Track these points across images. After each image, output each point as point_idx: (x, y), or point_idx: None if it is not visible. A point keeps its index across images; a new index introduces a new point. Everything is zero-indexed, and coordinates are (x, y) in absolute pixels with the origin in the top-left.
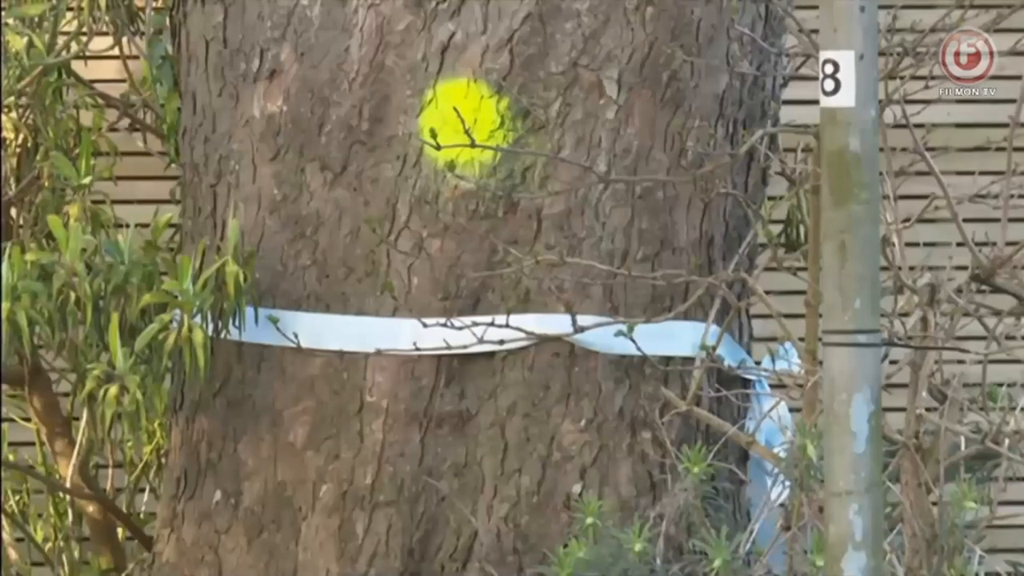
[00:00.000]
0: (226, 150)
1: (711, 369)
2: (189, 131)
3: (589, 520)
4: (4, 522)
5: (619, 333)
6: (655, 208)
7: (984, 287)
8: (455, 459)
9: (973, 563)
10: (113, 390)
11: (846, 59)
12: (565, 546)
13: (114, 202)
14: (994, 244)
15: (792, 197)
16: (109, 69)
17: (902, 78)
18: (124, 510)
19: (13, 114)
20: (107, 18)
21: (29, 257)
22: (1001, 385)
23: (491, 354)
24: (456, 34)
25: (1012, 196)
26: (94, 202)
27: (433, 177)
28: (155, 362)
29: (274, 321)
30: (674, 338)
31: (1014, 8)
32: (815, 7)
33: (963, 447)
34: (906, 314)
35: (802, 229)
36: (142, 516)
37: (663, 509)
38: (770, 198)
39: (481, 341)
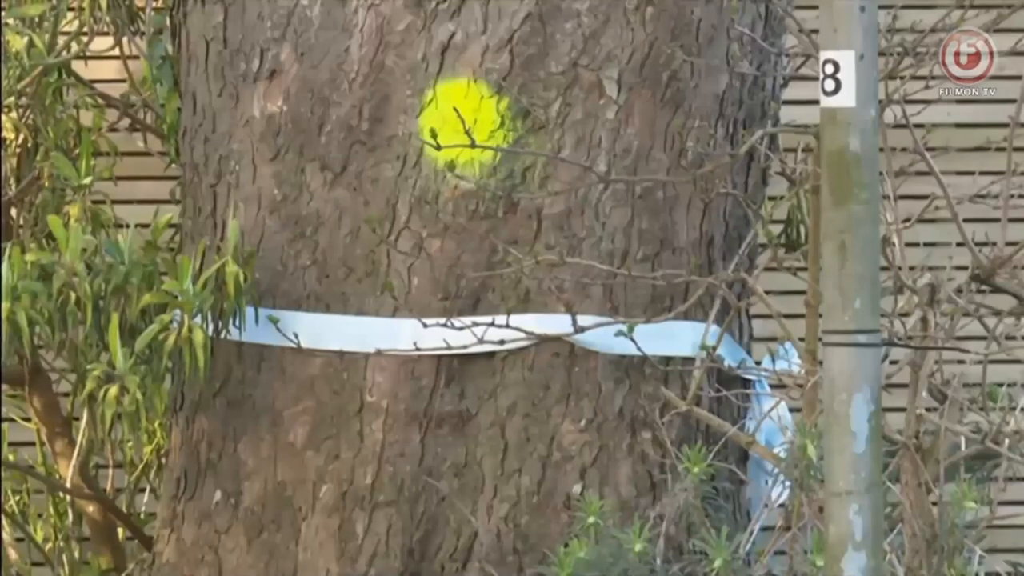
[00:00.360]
0: (226, 150)
1: (711, 369)
2: (189, 131)
3: (591, 519)
4: (4, 522)
5: (619, 333)
6: (655, 208)
7: (984, 287)
8: (455, 459)
9: (973, 563)
10: (113, 390)
11: (846, 59)
12: (565, 546)
13: (114, 202)
14: (994, 244)
15: (792, 197)
16: (109, 69)
17: (902, 78)
18: (124, 510)
19: (13, 114)
20: (107, 18)
21: (29, 257)
22: (1001, 385)
23: (491, 354)
24: (456, 34)
25: (1012, 196)
26: (94, 202)
27: (433, 177)
28: (155, 362)
29: (274, 321)
30: (674, 338)
31: (1014, 8)
32: (815, 7)
33: (963, 447)
34: (906, 314)
35: (802, 229)
36: (142, 516)
37: (663, 509)
38: (770, 198)
39: (481, 341)
